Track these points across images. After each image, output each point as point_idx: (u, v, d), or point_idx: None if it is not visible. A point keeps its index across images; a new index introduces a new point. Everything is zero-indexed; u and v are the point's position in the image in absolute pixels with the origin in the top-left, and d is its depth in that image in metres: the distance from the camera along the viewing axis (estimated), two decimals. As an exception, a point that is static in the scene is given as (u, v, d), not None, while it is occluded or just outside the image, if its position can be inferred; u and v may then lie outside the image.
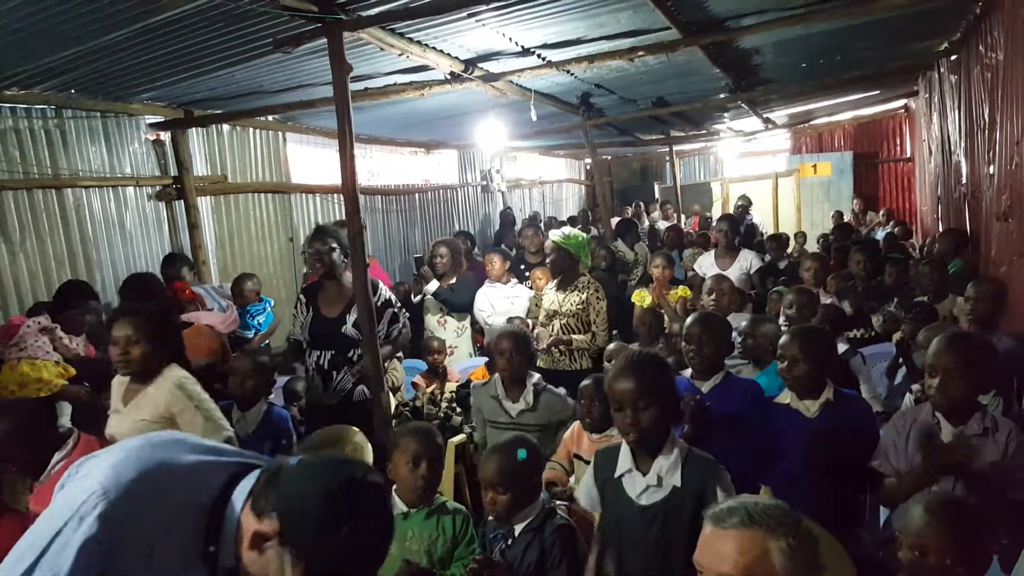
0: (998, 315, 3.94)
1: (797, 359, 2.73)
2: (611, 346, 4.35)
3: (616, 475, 2.23)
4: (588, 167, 15.47)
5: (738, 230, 7.13)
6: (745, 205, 11.73)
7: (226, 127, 6.22)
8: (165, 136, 5.62)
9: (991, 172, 5.01)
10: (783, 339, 2.86)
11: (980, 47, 5.34)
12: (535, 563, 2.35)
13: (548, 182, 14.09)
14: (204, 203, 5.95)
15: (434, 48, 4.49)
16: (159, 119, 5.52)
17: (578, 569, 2.38)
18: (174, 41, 3.84)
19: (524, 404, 3.40)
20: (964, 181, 6.29)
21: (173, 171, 5.66)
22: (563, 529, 2.40)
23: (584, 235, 4.95)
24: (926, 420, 2.48)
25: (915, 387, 3.40)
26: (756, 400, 2.90)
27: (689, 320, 3.10)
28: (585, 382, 3.19)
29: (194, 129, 5.85)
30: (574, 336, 4.56)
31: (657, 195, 14.94)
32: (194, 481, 1.30)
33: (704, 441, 2.42)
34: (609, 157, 15.66)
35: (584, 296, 4.57)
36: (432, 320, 5.82)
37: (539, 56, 5.06)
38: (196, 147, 5.92)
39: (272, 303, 5.58)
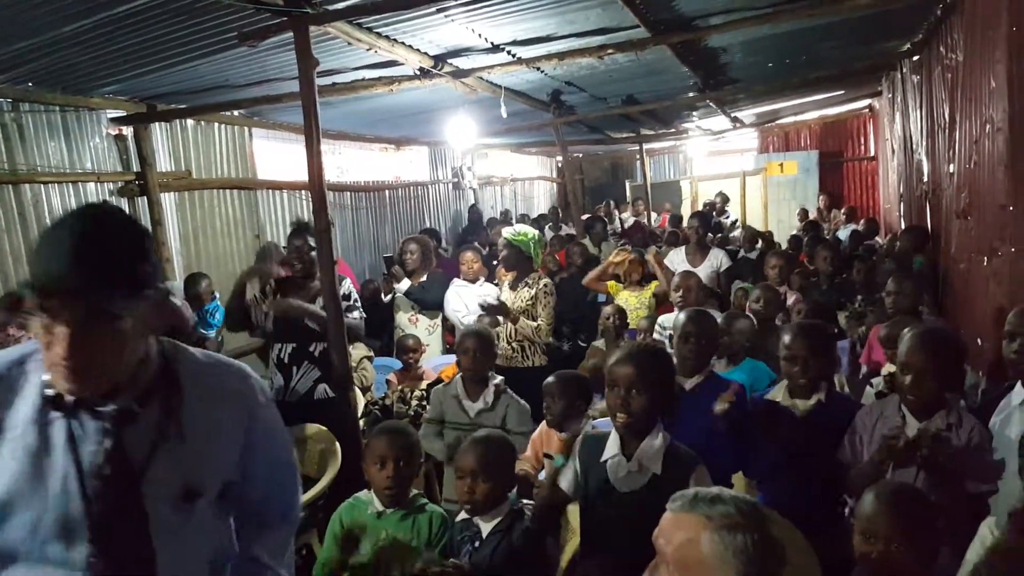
0: (918, 307, 4.13)
1: (808, 359, 2.70)
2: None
3: (602, 459, 2.26)
4: (559, 165, 15.50)
5: (709, 227, 7.20)
6: (721, 203, 11.87)
7: (190, 122, 6.11)
8: (127, 131, 5.50)
9: (951, 171, 5.12)
10: (791, 338, 2.79)
11: (941, 48, 5.44)
12: (503, 565, 2.33)
13: (519, 179, 14.09)
14: (168, 199, 5.84)
15: (403, 43, 4.46)
16: (121, 113, 5.40)
17: (547, 570, 2.38)
18: (136, 33, 3.76)
19: (483, 404, 3.41)
20: (925, 179, 6.42)
21: (136, 167, 5.54)
22: (532, 530, 2.40)
23: (537, 233, 5.00)
24: (892, 414, 2.51)
25: (876, 380, 3.46)
26: (741, 398, 2.89)
27: (682, 317, 3.13)
28: (549, 379, 3.22)
29: (157, 124, 5.74)
30: (521, 318, 4.61)
31: (628, 193, 15.03)
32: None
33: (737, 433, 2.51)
34: (580, 155, 15.71)
35: (533, 291, 4.62)
36: (403, 318, 5.78)
37: (509, 53, 5.06)
38: (159, 142, 5.81)
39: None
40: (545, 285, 4.70)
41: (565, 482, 2.39)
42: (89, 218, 1.32)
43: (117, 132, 5.45)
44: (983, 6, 4.08)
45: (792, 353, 2.74)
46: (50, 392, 1.35)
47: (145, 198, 5.57)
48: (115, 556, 1.38)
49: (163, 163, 5.82)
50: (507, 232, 4.84)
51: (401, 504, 2.54)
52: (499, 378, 3.50)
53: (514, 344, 4.66)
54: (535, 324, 4.62)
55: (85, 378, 1.31)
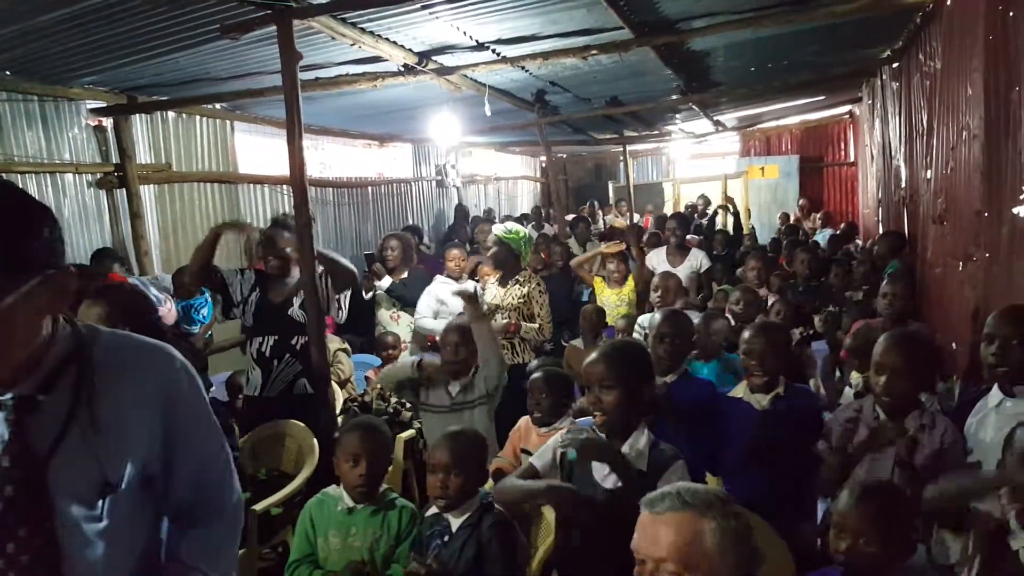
0: (910, 310, 4.15)
1: (764, 355, 2.80)
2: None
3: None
4: (543, 165, 15.52)
5: (688, 229, 7.26)
6: (703, 205, 11.95)
7: (171, 114, 6.06)
8: (107, 122, 5.44)
9: (928, 177, 5.19)
10: (750, 335, 2.88)
11: (920, 55, 5.51)
12: (472, 559, 2.33)
13: (503, 178, 14.08)
14: (147, 192, 5.79)
15: (387, 39, 4.45)
16: (101, 104, 5.35)
17: (515, 563, 2.38)
18: (117, 23, 3.73)
19: (463, 380, 3.43)
20: (903, 185, 6.50)
21: (115, 159, 5.49)
22: (500, 524, 2.40)
23: (526, 231, 5.00)
24: (868, 415, 2.55)
25: (854, 380, 3.50)
26: (711, 397, 2.98)
27: (658, 318, 3.18)
28: (535, 375, 3.24)
29: (138, 116, 5.69)
30: (523, 324, 4.61)
31: (611, 194, 15.08)
32: None
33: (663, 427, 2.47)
34: (564, 155, 15.74)
35: (526, 290, 4.61)
36: (384, 315, 5.76)
37: (493, 51, 5.06)
38: (140, 134, 5.75)
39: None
40: (538, 284, 4.69)
41: (538, 459, 2.39)
42: None
43: (97, 123, 5.40)
44: (961, 15, 4.14)
45: (749, 348, 2.84)
46: None
47: (124, 190, 5.52)
48: (15, 560, 1.25)
49: (143, 155, 5.77)
50: (498, 229, 4.83)
51: (371, 500, 2.54)
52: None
53: (503, 341, 4.64)
54: (535, 325, 4.61)
55: None
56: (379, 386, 4.59)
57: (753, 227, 11.11)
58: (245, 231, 4.19)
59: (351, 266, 4.13)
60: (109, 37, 3.96)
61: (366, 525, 2.50)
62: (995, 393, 2.48)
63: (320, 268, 3.86)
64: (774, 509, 2.48)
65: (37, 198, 1.31)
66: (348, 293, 4.17)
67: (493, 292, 4.75)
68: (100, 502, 1.34)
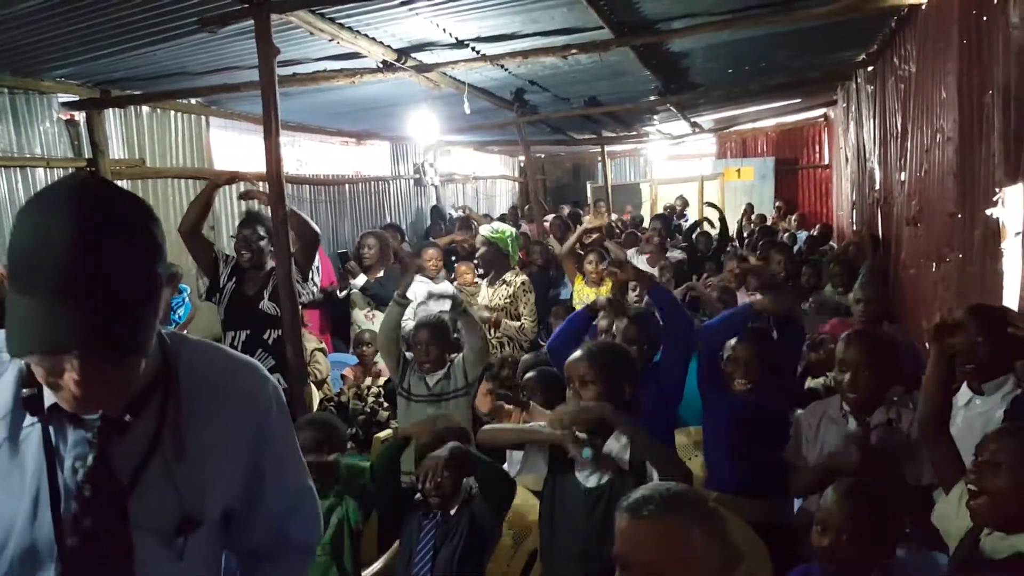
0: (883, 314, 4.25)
1: (751, 365, 2.92)
2: None
3: (569, 455, 2.26)
4: (521, 164, 15.52)
5: (670, 230, 7.33)
6: (681, 206, 12.03)
7: (146, 109, 5.96)
8: (79, 116, 5.34)
9: (902, 179, 5.26)
10: (736, 343, 2.99)
11: (895, 59, 5.59)
12: (467, 531, 2.38)
13: (482, 178, 14.07)
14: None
15: (366, 35, 4.41)
16: (73, 98, 5.24)
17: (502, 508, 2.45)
18: (91, 15, 3.65)
19: (441, 372, 3.46)
20: (877, 187, 6.58)
21: (87, 153, 5.39)
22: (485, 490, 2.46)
23: (512, 230, 5.00)
24: (835, 414, 2.59)
25: (821, 380, 3.55)
26: (664, 370, 3.09)
27: (626, 324, 3.26)
28: (529, 374, 3.31)
29: (111, 110, 5.58)
30: (504, 320, 4.62)
31: (589, 194, 15.13)
32: None
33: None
34: (543, 155, 15.76)
35: (511, 290, 4.63)
36: (359, 315, 5.71)
37: (473, 49, 5.04)
38: (113, 129, 5.65)
39: (189, 291, 5.37)
40: (523, 283, 4.71)
41: (531, 480, 2.41)
42: (84, 226, 0.97)
43: (68, 117, 5.29)
44: (935, 19, 4.20)
45: (736, 355, 2.94)
46: (27, 391, 1.10)
47: (96, 186, 5.42)
48: None
49: (116, 150, 5.67)
50: (485, 230, 4.86)
51: (322, 495, 2.54)
52: (458, 356, 3.54)
53: (493, 340, 4.65)
54: (518, 324, 4.62)
55: (98, 405, 1.06)
56: (356, 385, 4.56)
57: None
58: (244, 181, 4.11)
59: (317, 228, 4.08)
60: (83, 29, 3.88)
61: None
62: (964, 391, 2.52)
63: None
64: (754, 486, 2.65)
65: (7, 195, 1.19)
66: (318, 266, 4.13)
67: (483, 292, 4.77)
68: (179, 540, 1.19)
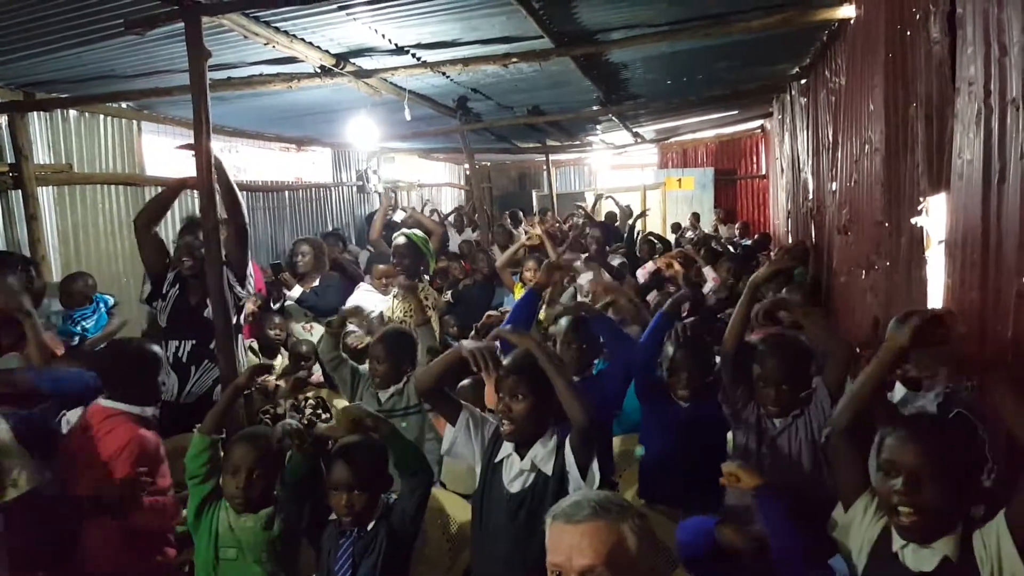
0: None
1: (692, 372, 2.97)
2: None
3: (498, 459, 2.26)
4: (467, 172, 15.51)
5: (610, 237, 7.38)
6: (626, 214, 12.15)
7: (73, 113, 5.74)
8: (1, 120, 5.12)
9: (833, 189, 5.42)
10: (674, 350, 3.01)
11: (826, 72, 5.76)
12: (386, 542, 2.30)
13: (427, 185, 14.00)
14: (45, 194, 5.46)
15: (302, 40, 4.33)
16: (-7, 101, 5.03)
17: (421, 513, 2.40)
18: (12, 14, 3.50)
19: (394, 388, 3.38)
20: (810, 197, 6.77)
21: (10, 158, 5.16)
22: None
23: (426, 237, 4.98)
24: (751, 422, 2.69)
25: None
26: (607, 382, 3.11)
27: (564, 323, 3.23)
28: (464, 383, 3.26)
29: (36, 113, 5.36)
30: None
31: (535, 203, 15.19)
32: None
33: None
34: (488, 163, 15.79)
35: (410, 305, 4.41)
36: (297, 328, 5.52)
37: (414, 55, 5.00)
38: (37, 133, 5.42)
39: (110, 303, 5.05)
40: (426, 297, 4.53)
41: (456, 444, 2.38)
42: None
43: (-12, 120, 5.06)
44: (863, 34, 4.34)
45: (675, 366, 2.97)
46: None
47: (19, 191, 5.20)
48: None
49: (41, 155, 5.44)
50: (406, 230, 4.82)
51: (250, 510, 2.48)
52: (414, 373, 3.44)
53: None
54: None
55: None
56: (292, 398, 4.45)
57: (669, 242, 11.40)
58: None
59: (246, 213, 4.00)
60: (4, 29, 3.72)
61: (254, 535, 2.46)
62: (899, 388, 2.60)
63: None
64: (695, 495, 2.68)
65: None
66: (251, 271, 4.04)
67: (389, 304, 4.68)
68: None
